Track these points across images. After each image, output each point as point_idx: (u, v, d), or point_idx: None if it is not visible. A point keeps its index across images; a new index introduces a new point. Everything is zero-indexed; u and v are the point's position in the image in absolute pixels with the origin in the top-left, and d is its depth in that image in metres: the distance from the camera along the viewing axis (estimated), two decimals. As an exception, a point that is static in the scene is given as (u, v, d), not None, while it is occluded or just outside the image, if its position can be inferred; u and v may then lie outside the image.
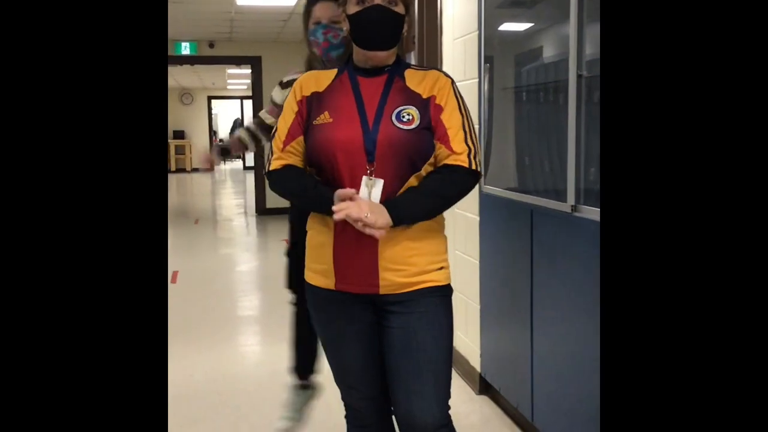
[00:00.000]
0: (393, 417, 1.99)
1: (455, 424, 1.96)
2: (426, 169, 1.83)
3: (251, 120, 2.77)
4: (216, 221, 10.72)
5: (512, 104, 3.01)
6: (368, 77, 1.89)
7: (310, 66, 2.51)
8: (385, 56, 1.88)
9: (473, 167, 1.83)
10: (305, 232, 1.97)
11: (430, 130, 1.82)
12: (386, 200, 1.79)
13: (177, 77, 16.42)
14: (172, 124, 19.42)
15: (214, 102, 20.81)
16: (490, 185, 3.15)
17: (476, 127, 1.94)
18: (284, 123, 1.91)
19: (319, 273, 1.93)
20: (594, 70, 2.28)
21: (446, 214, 1.96)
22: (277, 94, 2.59)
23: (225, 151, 2.85)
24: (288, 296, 2.66)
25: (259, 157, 9.33)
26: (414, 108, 1.83)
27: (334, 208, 1.73)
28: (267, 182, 1.97)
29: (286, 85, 2.55)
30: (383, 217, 1.75)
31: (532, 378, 2.82)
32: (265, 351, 4.22)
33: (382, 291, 1.85)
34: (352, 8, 1.86)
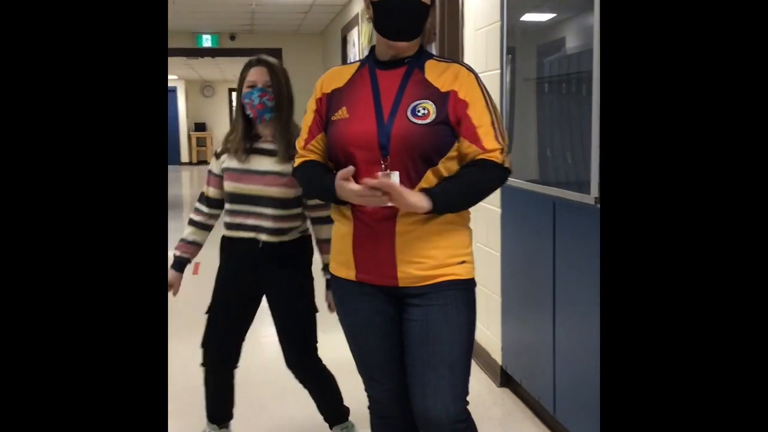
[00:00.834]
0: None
1: (477, 416, 1.95)
2: (443, 162, 1.82)
3: (193, 209, 2.63)
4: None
5: (534, 95, 2.98)
6: (387, 69, 1.89)
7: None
8: (406, 47, 1.87)
9: (505, 165, 1.83)
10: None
11: (447, 125, 1.81)
12: (424, 189, 1.79)
13: (198, 70, 16.47)
14: (194, 117, 19.52)
15: (234, 94, 20.85)
16: (512, 177, 3.11)
17: (500, 115, 1.92)
18: (305, 123, 1.97)
19: (342, 264, 1.93)
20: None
21: (469, 206, 1.95)
22: (213, 164, 2.61)
23: (182, 264, 2.62)
24: None
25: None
26: (430, 102, 1.81)
27: (368, 181, 1.73)
28: None
29: (218, 155, 2.59)
30: (422, 201, 1.75)
31: (554, 371, 2.80)
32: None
33: (401, 283, 1.85)
34: None
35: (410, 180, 1.80)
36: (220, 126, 20.06)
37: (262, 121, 2.49)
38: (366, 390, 2.05)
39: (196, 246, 2.64)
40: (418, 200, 1.75)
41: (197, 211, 2.64)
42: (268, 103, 2.47)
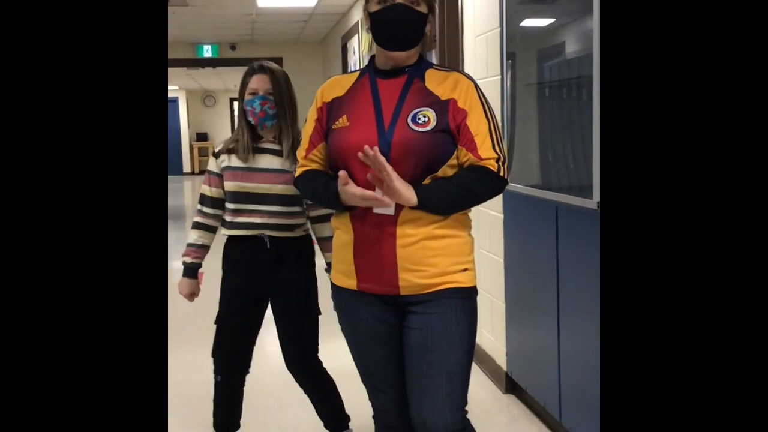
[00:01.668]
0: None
1: (482, 423, 1.95)
2: (444, 170, 1.81)
3: (195, 211, 2.64)
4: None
5: (535, 100, 2.98)
6: (387, 78, 1.89)
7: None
8: (405, 56, 1.87)
9: (501, 173, 1.82)
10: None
11: (448, 133, 1.81)
12: (414, 184, 1.79)
13: (199, 80, 16.51)
14: (195, 127, 19.54)
15: (236, 104, 20.86)
16: (513, 183, 3.12)
17: (500, 125, 1.92)
18: (306, 133, 1.97)
19: (343, 273, 1.93)
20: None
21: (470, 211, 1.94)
22: (211, 164, 2.62)
23: (194, 270, 2.63)
24: None
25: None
26: (431, 110, 1.81)
27: (369, 176, 1.75)
28: None
29: (217, 155, 2.61)
30: (409, 192, 1.74)
31: (559, 377, 2.79)
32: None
33: (402, 292, 1.84)
34: (374, 6, 1.85)
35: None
36: (222, 135, 20.04)
37: (264, 127, 2.53)
38: (370, 399, 2.04)
39: (205, 249, 2.64)
40: (407, 191, 1.75)
41: (201, 213, 2.63)
42: (269, 111, 2.49)
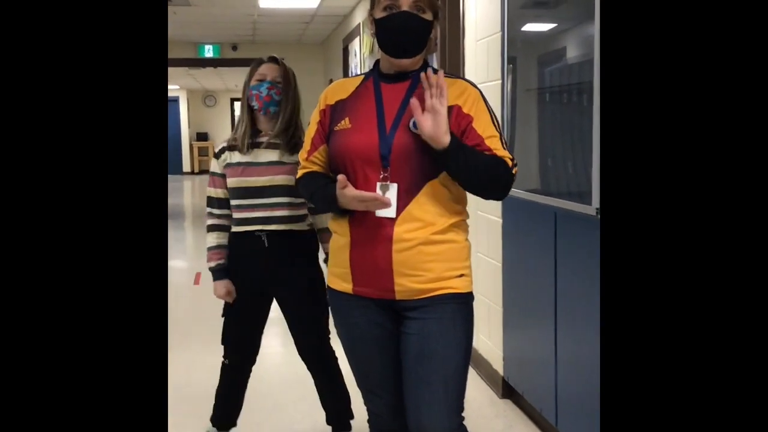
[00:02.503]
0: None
1: (478, 428, 1.95)
2: (443, 177, 1.81)
3: (206, 215, 2.66)
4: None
5: (535, 105, 2.98)
6: (391, 83, 1.89)
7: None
8: (410, 63, 1.87)
9: (514, 172, 1.83)
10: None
11: None
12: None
13: (200, 80, 16.51)
14: (196, 127, 19.54)
15: (236, 104, 20.92)
16: (513, 187, 3.12)
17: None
18: (308, 135, 1.98)
19: (339, 276, 1.93)
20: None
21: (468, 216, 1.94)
22: (213, 165, 2.66)
23: (225, 271, 2.62)
24: None
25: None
26: None
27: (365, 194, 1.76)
28: None
29: (218, 155, 2.64)
30: (446, 128, 1.75)
31: (556, 382, 2.79)
32: (287, 352, 4.22)
33: (398, 297, 1.84)
34: (379, 12, 1.84)
35: (409, 192, 1.80)
36: (222, 135, 19.94)
37: (267, 113, 2.55)
38: (365, 404, 2.04)
39: (225, 249, 2.65)
40: (445, 125, 1.75)
41: (211, 215, 2.66)
42: (275, 96, 2.54)
